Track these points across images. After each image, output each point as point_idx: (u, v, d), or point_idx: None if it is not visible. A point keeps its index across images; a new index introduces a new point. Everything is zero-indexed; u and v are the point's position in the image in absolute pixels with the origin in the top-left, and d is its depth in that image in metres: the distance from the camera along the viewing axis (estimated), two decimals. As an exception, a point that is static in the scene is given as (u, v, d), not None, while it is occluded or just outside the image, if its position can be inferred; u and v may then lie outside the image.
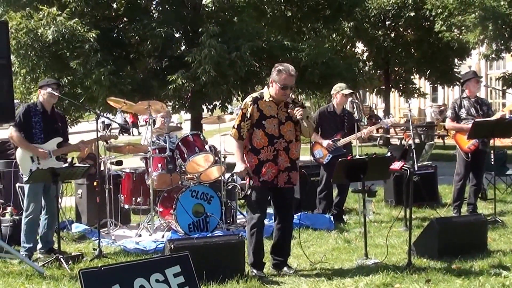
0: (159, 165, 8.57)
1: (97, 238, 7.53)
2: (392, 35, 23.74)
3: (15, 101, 10.29)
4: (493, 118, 8.89)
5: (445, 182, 11.75)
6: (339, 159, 6.90)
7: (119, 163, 8.95)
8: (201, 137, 8.94)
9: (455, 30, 19.39)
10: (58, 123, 7.58)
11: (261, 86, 18.07)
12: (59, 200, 8.06)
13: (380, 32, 23.38)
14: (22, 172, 7.39)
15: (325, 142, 9.16)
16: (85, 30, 14.39)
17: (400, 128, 26.64)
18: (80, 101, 14.92)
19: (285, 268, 6.54)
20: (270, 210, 7.02)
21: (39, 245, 7.43)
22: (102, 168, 8.73)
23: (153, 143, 8.75)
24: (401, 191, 9.12)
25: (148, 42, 15.42)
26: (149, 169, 8.52)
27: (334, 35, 22.86)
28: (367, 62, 23.98)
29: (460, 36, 19.13)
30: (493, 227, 8.21)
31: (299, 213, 9.17)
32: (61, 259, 6.86)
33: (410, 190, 6.81)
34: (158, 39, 15.05)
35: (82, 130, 16.25)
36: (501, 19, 17.22)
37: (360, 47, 25.71)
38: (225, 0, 16.83)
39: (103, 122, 24.74)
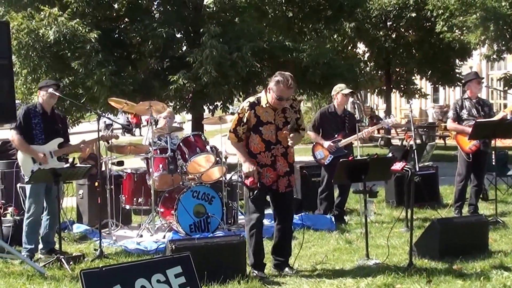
0: (161, 166, 8.58)
1: (98, 238, 7.54)
2: (393, 35, 23.71)
3: (16, 101, 10.30)
4: (494, 119, 8.90)
5: (446, 182, 11.74)
6: (341, 160, 6.91)
7: (121, 163, 8.95)
8: (202, 137, 8.95)
9: (456, 31, 19.36)
10: (59, 123, 7.59)
11: (263, 87, 18.10)
12: (60, 200, 8.08)
13: (381, 33, 23.35)
14: (24, 173, 7.39)
15: (326, 144, 9.15)
16: (87, 30, 14.40)
17: (401, 129, 26.63)
18: (81, 101, 14.92)
19: (286, 269, 6.54)
20: (270, 211, 7.03)
21: (40, 246, 7.44)
22: (103, 168, 8.73)
23: (155, 144, 8.75)
24: (402, 192, 9.12)
25: (150, 43, 15.43)
26: (151, 170, 8.52)
27: (335, 36, 22.83)
28: (368, 63, 23.96)
29: (461, 37, 19.10)
30: (494, 227, 8.21)
31: (301, 214, 9.19)
32: (62, 259, 6.86)
33: (411, 190, 6.81)
34: (159, 40, 15.05)
35: (84, 131, 16.23)
36: (503, 19, 17.20)
37: (361, 47, 25.69)
38: (226, 0, 16.83)
39: (104, 122, 24.82)
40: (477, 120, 8.74)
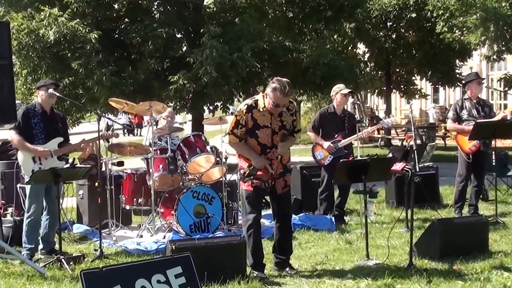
0: (161, 166, 8.58)
1: (98, 238, 7.53)
2: (394, 36, 23.73)
3: (17, 101, 10.30)
4: (495, 119, 8.90)
5: (446, 183, 11.74)
6: (341, 160, 6.91)
7: (121, 163, 8.94)
8: (203, 138, 8.94)
9: (457, 31, 19.37)
10: (58, 123, 7.59)
11: (263, 87, 18.11)
12: (60, 200, 8.08)
13: (381, 33, 23.37)
14: (24, 173, 7.39)
15: (326, 144, 9.15)
16: (87, 30, 14.42)
17: (402, 129, 26.64)
18: (82, 101, 14.95)
19: (287, 269, 6.54)
20: (269, 211, 7.04)
21: (40, 246, 7.43)
22: (103, 169, 8.73)
23: (155, 144, 8.75)
24: (403, 192, 9.11)
25: (150, 43, 15.45)
26: (151, 170, 8.52)
27: (335, 36, 22.86)
28: (368, 63, 23.98)
29: (462, 37, 19.11)
30: (494, 228, 8.20)
31: (301, 214, 9.20)
32: (62, 259, 6.86)
33: (411, 191, 6.81)
34: (160, 40, 15.08)
35: (84, 131, 16.24)
36: (503, 20, 17.20)
37: (361, 48, 25.72)
38: (227, 1, 16.85)
39: (106, 123, 24.87)
40: (477, 121, 8.74)
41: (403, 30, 23.67)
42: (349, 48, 24.57)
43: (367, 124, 24.72)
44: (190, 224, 8.31)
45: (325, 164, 9.26)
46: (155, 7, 17.75)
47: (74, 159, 7.87)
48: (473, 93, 9.12)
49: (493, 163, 9.64)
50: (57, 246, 7.26)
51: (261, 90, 18.00)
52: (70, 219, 9.21)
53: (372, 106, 39.28)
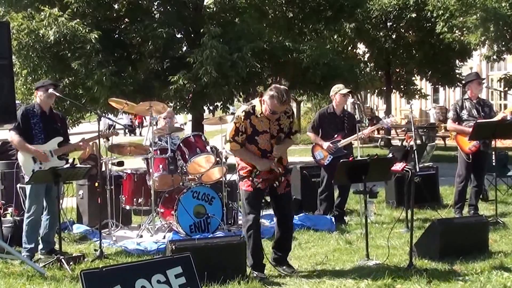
0: (161, 166, 8.58)
1: (98, 239, 7.53)
2: (394, 36, 23.73)
3: (16, 102, 10.30)
4: (495, 119, 8.90)
5: (446, 183, 11.74)
6: (341, 160, 6.91)
7: (121, 164, 8.94)
8: (203, 138, 8.94)
9: (457, 32, 19.38)
10: (58, 123, 7.59)
11: (263, 87, 18.13)
12: (60, 200, 8.08)
13: (381, 33, 23.38)
14: (25, 173, 7.39)
15: (325, 145, 9.15)
16: (87, 31, 14.42)
17: (401, 129, 26.64)
18: (82, 102, 14.95)
19: (285, 267, 6.57)
20: (269, 212, 7.04)
21: (40, 246, 7.43)
22: (103, 169, 8.73)
23: (155, 144, 8.75)
24: (403, 192, 9.11)
25: (150, 43, 15.44)
26: (151, 170, 8.52)
27: (335, 36, 22.87)
28: (368, 63, 23.99)
29: (462, 38, 19.12)
30: (494, 228, 8.20)
31: (301, 214, 9.20)
32: (62, 259, 6.86)
33: (411, 191, 6.81)
34: (160, 40, 15.07)
35: (84, 131, 16.25)
36: (503, 20, 17.21)
37: (361, 48, 25.72)
38: (227, 1, 16.84)
39: (108, 124, 24.87)
40: (478, 121, 8.74)
41: (403, 30, 23.67)
42: (349, 48, 24.57)
43: (367, 124, 24.73)
44: (190, 224, 8.31)
45: (325, 164, 9.26)
46: (155, 7, 17.74)
47: (74, 159, 7.87)
48: (473, 93, 9.12)
49: (493, 163, 9.64)
50: (57, 246, 7.26)
51: (261, 90, 18.04)
52: (70, 219, 9.21)
53: (372, 106, 39.30)
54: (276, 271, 6.54)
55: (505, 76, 21.64)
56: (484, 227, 7.30)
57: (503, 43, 18.73)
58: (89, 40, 14.32)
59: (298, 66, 16.67)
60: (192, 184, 8.67)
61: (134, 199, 8.80)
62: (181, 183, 8.74)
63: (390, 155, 8.89)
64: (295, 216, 8.91)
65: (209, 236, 7.95)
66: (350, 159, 7.11)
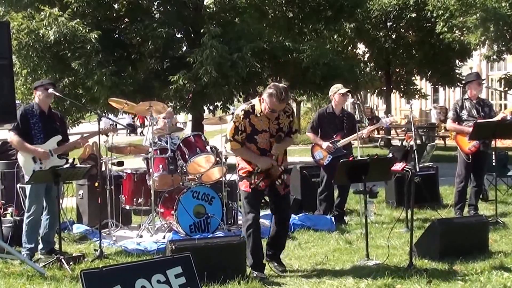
0: (161, 166, 8.58)
1: (98, 238, 7.53)
2: (394, 36, 23.74)
3: (16, 101, 10.30)
4: (494, 119, 8.90)
5: (446, 183, 11.74)
6: (341, 160, 6.91)
7: (120, 164, 8.94)
8: (203, 137, 8.94)
9: (457, 31, 19.38)
10: (57, 122, 7.59)
11: (263, 87, 18.11)
12: (60, 200, 8.08)
13: (381, 33, 23.38)
14: (25, 173, 7.39)
15: (325, 145, 9.14)
16: (87, 30, 14.42)
17: (401, 129, 26.64)
18: (82, 101, 14.95)
19: (276, 264, 6.61)
20: (268, 211, 7.04)
21: (40, 246, 7.43)
22: (103, 168, 8.73)
23: (155, 144, 8.75)
24: (402, 192, 9.12)
25: (150, 43, 15.45)
26: (150, 170, 8.51)
27: (335, 36, 22.87)
28: (368, 63, 23.99)
29: (462, 37, 19.12)
30: (494, 228, 8.20)
31: (300, 214, 9.20)
32: (62, 259, 6.86)
33: (411, 191, 6.81)
34: (160, 40, 15.07)
35: (84, 131, 16.25)
36: (503, 20, 17.21)
37: (361, 48, 25.71)
38: (227, 1, 16.85)
39: (110, 124, 25.02)
40: (477, 121, 8.74)
41: (403, 30, 23.68)
42: (349, 48, 24.57)
43: (366, 124, 24.76)
44: (190, 224, 8.31)
45: (324, 164, 9.26)
46: (155, 7, 17.75)
47: (74, 159, 7.86)
48: (472, 93, 9.12)
49: (493, 163, 9.64)
50: (57, 246, 7.26)
51: (261, 90, 18.02)
52: (70, 219, 9.21)
53: (372, 106, 39.28)
54: (267, 259, 6.56)
55: (505, 76, 21.64)
56: (484, 227, 7.30)
57: (503, 43, 18.74)
58: (89, 40, 14.32)
59: (298, 66, 16.67)
60: (192, 184, 8.67)
61: (134, 199, 8.80)
62: (181, 183, 8.74)
63: (390, 155, 8.90)
64: (295, 216, 8.96)
65: (209, 236, 7.95)
66: (350, 159, 7.11)
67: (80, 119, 17.31)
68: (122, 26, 17.02)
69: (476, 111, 9.02)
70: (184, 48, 17.18)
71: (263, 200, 7.08)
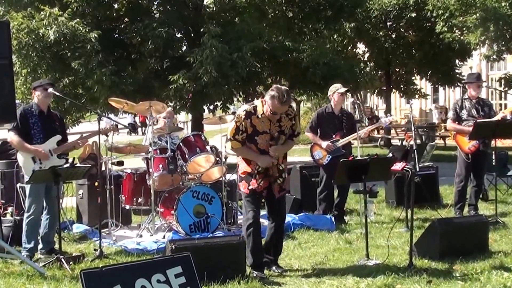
0: (160, 166, 8.57)
1: (98, 238, 7.54)
2: (393, 36, 23.73)
3: (16, 101, 10.30)
4: (494, 119, 8.90)
5: (446, 183, 11.74)
6: (341, 160, 6.91)
7: (120, 163, 8.94)
8: (202, 137, 8.94)
9: (456, 31, 19.38)
10: (56, 122, 7.60)
11: (263, 87, 18.13)
12: (60, 200, 8.08)
13: (381, 33, 23.37)
14: (25, 173, 7.39)
15: (324, 144, 9.15)
16: (87, 30, 14.41)
17: (401, 129, 26.64)
18: (82, 101, 14.95)
19: (274, 268, 6.58)
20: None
21: (40, 246, 7.43)
22: (103, 168, 8.72)
23: (154, 144, 8.75)
24: (402, 192, 9.12)
25: (150, 43, 15.44)
26: (150, 170, 8.52)
27: (335, 36, 22.86)
28: (368, 63, 23.98)
29: (461, 37, 19.11)
30: (494, 228, 8.20)
31: (301, 214, 9.20)
32: (62, 259, 6.86)
33: (411, 191, 6.81)
34: (159, 40, 15.07)
35: (84, 131, 16.24)
36: (503, 20, 17.21)
37: (361, 47, 25.71)
38: (227, 0, 16.85)
39: (112, 124, 25.02)
40: (477, 120, 8.74)
41: (403, 30, 23.67)
42: (349, 48, 24.56)
43: (366, 124, 24.77)
44: (190, 223, 8.31)
45: (324, 164, 9.25)
46: (155, 6, 17.75)
47: (74, 158, 7.85)
48: (471, 94, 9.13)
49: (493, 163, 9.64)
50: (56, 246, 7.27)
51: (261, 90, 18.02)
52: (70, 219, 9.21)
53: (372, 106, 39.27)
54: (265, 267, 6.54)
55: (505, 75, 21.63)
56: (484, 226, 7.30)
57: (503, 42, 18.73)
58: (89, 39, 14.32)
59: (298, 65, 16.67)
60: (192, 183, 8.67)
61: (134, 199, 8.79)
62: (181, 183, 8.74)
63: (390, 155, 8.91)
64: (295, 216, 8.97)
65: (209, 235, 7.95)
66: (350, 158, 7.11)
67: (80, 119, 17.30)
68: (122, 26, 17.02)
69: (476, 110, 9.03)
70: (184, 48, 17.18)
71: (263, 200, 7.09)
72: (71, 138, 7.83)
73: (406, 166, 7.43)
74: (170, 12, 16.84)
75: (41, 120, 7.36)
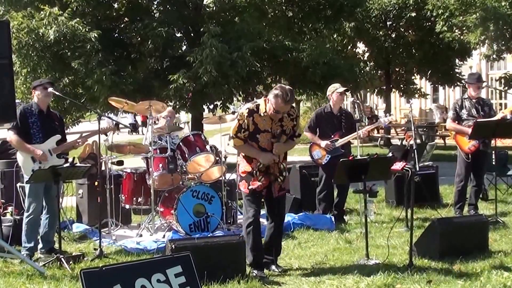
0: (160, 165, 8.57)
1: (98, 238, 7.54)
2: (393, 35, 23.72)
3: (16, 101, 10.29)
4: (494, 118, 8.90)
5: (446, 182, 11.74)
6: (341, 160, 6.91)
7: (120, 163, 8.94)
8: (202, 137, 8.94)
9: (456, 31, 19.37)
10: (55, 122, 7.60)
11: (263, 86, 18.11)
12: (60, 200, 8.07)
13: (381, 33, 23.35)
14: (24, 172, 7.39)
15: (323, 143, 9.14)
16: (87, 30, 14.41)
17: (401, 129, 26.64)
18: (82, 101, 14.95)
19: (274, 267, 6.58)
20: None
21: (40, 245, 7.43)
22: (103, 168, 8.72)
23: (154, 143, 8.75)
24: (402, 192, 9.12)
25: (149, 42, 15.44)
26: (150, 169, 8.51)
27: (335, 36, 22.84)
28: (368, 63, 23.97)
29: (461, 37, 19.11)
30: (494, 227, 8.20)
31: (300, 214, 9.20)
32: (62, 259, 6.86)
33: (411, 190, 6.81)
34: (159, 39, 15.06)
35: (84, 131, 16.24)
36: (502, 19, 17.20)
37: (361, 47, 25.69)
38: (226, 0, 16.84)
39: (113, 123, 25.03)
40: (477, 120, 8.74)
41: (402, 30, 23.66)
42: (349, 47, 24.55)
43: (366, 124, 24.75)
44: (190, 223, 8.31)
45: (323, 163, 9.25)
46: (155, 6, 17.74)
47: (74, 158, 7.86)
48: (471, 94, 9.14)
49: (493, 163, 9.63)
50: (56, 245, 7.27)
51: (260, 90, 18.00)
52: (70, 218, 9.21)
53: (371, 106, 39.24)
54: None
55: (504, 75, 21.63)
56: (484, 226, 7.30)
57: (503, 42, 18.73)
58: (89, 39, 14.31)
59: (298, 65, 16.67)
60: (192, 183, 8.68)
61: (134, 198, 8.79)
62: (180, 182, 8.74)
63: (390, 154, 8.88)
64: (294, 215, 8.97)
65: (209, 235, 7.95)
66: (350, 158, 7.10)
67: (80, 118, 17.30)
68: (122, 26, 17.01)
69: (476, 110, 9.03)
70: (184, 48, 17.17)
71: (262, 199, 7.11)
72: (71, 138, 7.82)
73: (406, 165, 7.42)
74: (170, 11, 16.83)
75: (40, 119, 7.36)
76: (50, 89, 7.36)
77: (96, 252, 7.34)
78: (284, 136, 6.51)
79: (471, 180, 9.27)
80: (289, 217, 8.64)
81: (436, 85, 29.14)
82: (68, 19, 14.30)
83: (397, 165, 7.45)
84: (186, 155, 8.56)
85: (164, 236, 8.25)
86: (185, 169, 8.60)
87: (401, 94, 26.49)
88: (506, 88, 20.46)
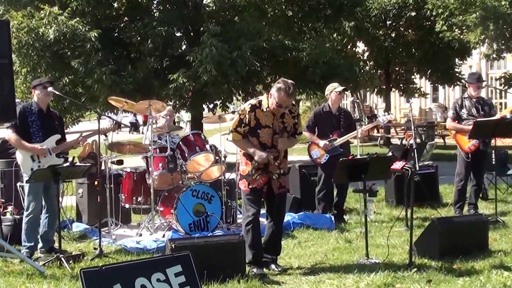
0: (160, 165, 8.57)
1: (98, 237, 7.54)
2: (393, 34, 23.72)
3: (16, 100, 10.29)
4: (494, 118, 8.90)
5: (446, 182, 11.75)
6: (340, 159, 6.91)
7: (120, 162, 8.94)
8: (202, 136, 8.94)
9: (456, 30, 19.37)
10: (55, 121, 7.59)
11: (262, 86, 18.11)
12: (60, 199, 8.07)
13: (381, 32, 23.36)
14: (23, 172, 7.38)
15: (322, 143, 9.14)
16: (86, 29, 14.42)
17: (401, 128, 26.63)
18: (81, 100, 14.95)
19: (273, 266, 6.58)
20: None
21: (40, 244, 7.42)
22: (103, 167, 8.72)
23: (154, 143, 8.74)
24: (402, 191, 9.12)
25: (149, 41, 15.44)
26: (150, 169, 8.51)
27: (335, 35, 22.84)
28: (367, 62, 23.97)
29: (461, 36, 19.11)
30: (494, 227, 8.21)
31: (300, 213, 9.19)
32: (62, 258, 6.86)
33: (411, 190, 6.81)
34: (159, 39, 15.07)
35: (84, 130, 16.23)
36: (502, 19, 17.20)
37: (361, 46, 25.69)
38: (226, -1, 16.86)
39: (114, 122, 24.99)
40: (477, 119, 8.74)
41: (402, 29, 23.67)
42: (349, 46, 24.56)
43: (366, 123, 24.73)
44: (190, 222, 8.31)
45: (322, 163, 9.24)
46: (155, 5, 17.75)
47: (73, 157, 7.85)
48: (471, 93, 9.14)
49: (493, 162, 9.63)
50: (56, 245, 7.26)
51: (260, 89, 17.99)
52: (70, 218, 9.21)
53: (371, 105, 39.24)
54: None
55: (504, 74, 21.63)
56: (484, 226, 7.30)
57: (503, 41, 18.73)
58: (89, 38, 14.32)
59: (298, 64, 16.67)
60: (192, 182, 8.67)
61: (134, 198, 8.80)
62: (180, 182, 8.74)
63: (390, 154, 8.88)
64: (294, 215, 8.96)
65: (209, 234, 7.94)
66: (350, 157, 7.10)
67: (79, 118, 17.30)
68: (122, 25, 17.02)
69: (476, 109, 9.03)
70: (184, 47, 17.17)
71: (262, 199, 7.11)
72: (70, 137, 7.81)
73: (405, 165, 7.42)
74: (170, 11, 16.84)
75: (40, 118, 7.36)
76: (50, 89, 7.36)
77: (96, 252, 7.33)
78: (286, 133, 6.52)
79: (471, 180, 9.27)
80: (289, 217, 8.64)
81: (436, 85, 29.14)
82: (68, 18, 14.31)
83: (397, 165, 7.45)
84: (186, 155, 8.56)
85: (164, 235, 8.26)
86: (185, 169, 8.60)
87: (401, 93, 26.50)
88: (506, 87, 20.45)
